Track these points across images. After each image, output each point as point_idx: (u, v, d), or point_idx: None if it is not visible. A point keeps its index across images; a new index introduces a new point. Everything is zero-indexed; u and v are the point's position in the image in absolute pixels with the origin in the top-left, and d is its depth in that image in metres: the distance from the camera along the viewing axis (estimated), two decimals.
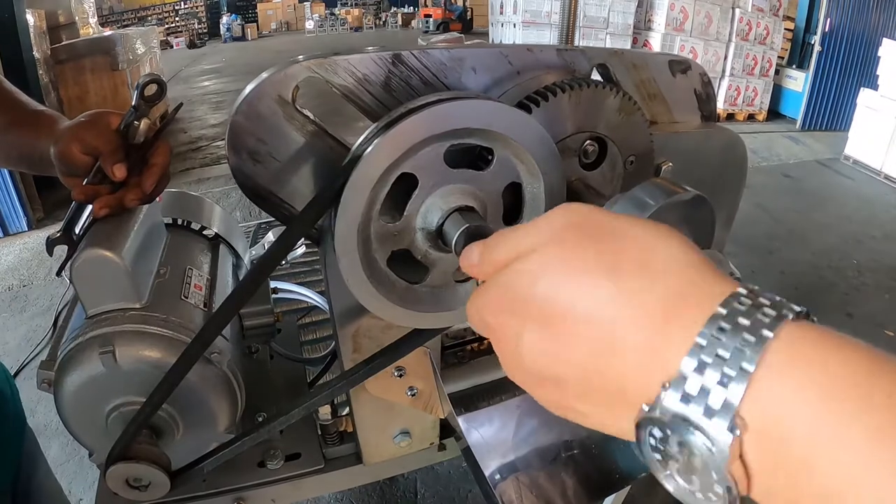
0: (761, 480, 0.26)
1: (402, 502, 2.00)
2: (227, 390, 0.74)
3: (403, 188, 0.54)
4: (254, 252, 1.28)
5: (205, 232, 0.94)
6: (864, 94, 5.20)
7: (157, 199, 0.80)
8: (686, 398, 0.27)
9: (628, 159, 0.71)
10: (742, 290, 0.28)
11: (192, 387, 0.70)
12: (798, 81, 6.47)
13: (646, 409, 0.28)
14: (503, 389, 0.91)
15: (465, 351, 0.94)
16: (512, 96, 0.63)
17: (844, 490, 0.23)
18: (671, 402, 0.27)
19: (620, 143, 0.69)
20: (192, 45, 11.77)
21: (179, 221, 0.92)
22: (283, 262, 1.39)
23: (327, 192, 0.51)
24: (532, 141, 0.56)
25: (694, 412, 0.27)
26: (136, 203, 0.71)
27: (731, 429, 0.26)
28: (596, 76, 0.71)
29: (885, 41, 5.15)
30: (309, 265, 1.44)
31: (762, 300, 0.27)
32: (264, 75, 0.55)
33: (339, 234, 0.52)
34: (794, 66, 6.75)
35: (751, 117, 6.56)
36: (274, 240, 1.37)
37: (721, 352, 0.26)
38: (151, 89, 0.68)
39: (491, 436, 0.85)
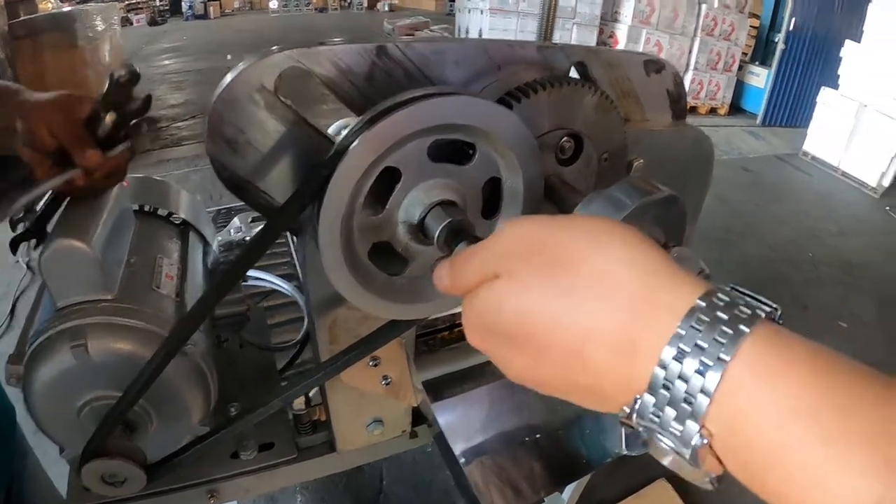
0: (734, 472, 0.29)
1: (368, 490, 2.00)
2: (201, 382, 0.73)
3: (386, 181, 0.54)
4: (220, 238, 1.25)
5: (172, 218, 0.92)
6: (825, 93, 5.34)
7: (125, 183, 0.78)
8: (656, 409, 0.30)
9: (602, 156, 0.72)
10: (699, 309, 0.29)
11: (167, 380, 0.69)
12: (760, 78, 6.62)
13: (626, 410, 0.32)
14: (473, 377, 0.92)
15: (436, 339, 0.95)
16: (494, 91, 0.63)
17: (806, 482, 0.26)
18: (642, 412, 0.31)
19: (596, 140, 0.70)
20: (153, 23, 11.34)
21: (146, 208, 0.90)
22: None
23: (311, 184, 0.50)
24: (515, 137, 0.56)
25: (661, 426, 0.30)
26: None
27: (696, 444, 0.28)
28: (574, 74, 0.72)
29: (848, 42, 5.31)
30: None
31: (719, 316, 0.29)
32: (243, 65, 0.54)
33: (323, 227, 0.52)
34: (757, 63, 6.90)
35: (713, 111, 6.70)
36: (239, 225, 1.35)
37: (677, 383, 0.29)
38: (122, 81, 0.67)
39: (462, 422, 0.87)
